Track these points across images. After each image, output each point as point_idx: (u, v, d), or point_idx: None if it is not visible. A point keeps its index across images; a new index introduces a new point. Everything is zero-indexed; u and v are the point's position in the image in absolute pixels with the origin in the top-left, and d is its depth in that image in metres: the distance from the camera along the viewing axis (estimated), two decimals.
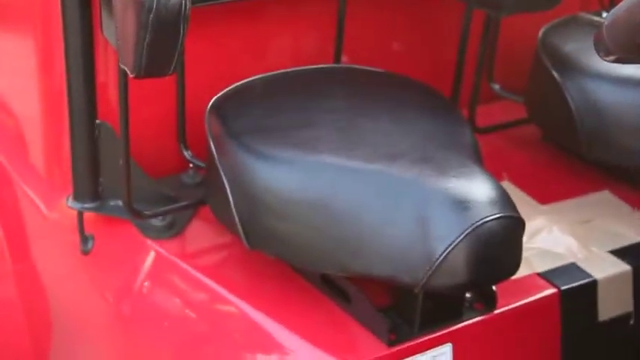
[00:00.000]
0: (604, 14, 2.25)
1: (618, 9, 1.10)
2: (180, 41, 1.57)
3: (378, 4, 2.14)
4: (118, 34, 1.64)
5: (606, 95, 2.02)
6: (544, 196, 2.04)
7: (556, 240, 1.94)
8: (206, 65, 1.80)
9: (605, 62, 2.01)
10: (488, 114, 2.18)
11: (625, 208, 2.07)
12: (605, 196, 2.10)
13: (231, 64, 2.01)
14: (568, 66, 2.07)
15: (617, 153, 2.04)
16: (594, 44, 1.19)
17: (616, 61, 1.18)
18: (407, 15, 2.20)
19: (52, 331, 2.28)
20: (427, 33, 2.21)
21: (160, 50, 1.57)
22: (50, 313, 2.26)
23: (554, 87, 2.07)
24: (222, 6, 1.79)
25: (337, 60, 2.15)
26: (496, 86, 2.23)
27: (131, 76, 1.63)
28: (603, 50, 1.16)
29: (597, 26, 2.12)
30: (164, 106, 1.96)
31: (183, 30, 1.56)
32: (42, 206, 2.19)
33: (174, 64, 1.61)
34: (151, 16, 1.52)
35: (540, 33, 2.19)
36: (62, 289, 2.19)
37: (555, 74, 2.08)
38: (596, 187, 2.12)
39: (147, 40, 1.54)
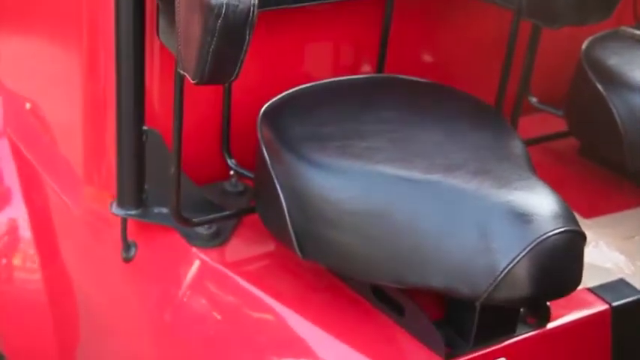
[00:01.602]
0: None
1: None
2: (245, 48, 1.57)
3: (420, 14, 2.15)
4: (179, 39, 1.63)
5: None
6: (587, 210, 2.05)
7: (603, 255, 1.95)
8: (250, 74, 1.76)
9: None
10: (525, 126, 2.17)
11: None
12: None
13: (274, 72, 2.01)
14: (613, 79, 2.08)
15: None
16: None
17: None
18: (448, 25, 2.20)
19: (80, 337, 2.28)
20: (468, 43, 2.21)
21: (225, 57, 1.57)
22: (79, 318, 2.26)
23: (599, 100, 2.07)
24: (268, 14, 1.78)
25: (380, 69, 2.15)
26: (533, 99, 2.23)
27: (193, 82, 1.62)
28: None
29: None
30: (208, 114, 1.97)
31: (249, 36, 1.56)
32: (78, 212, 2.19)
33: (237, 70, 1.60)
34: (219, 21, 1.51)
35: (584, 46, 2.19)
36: (99, 296, 2.19)
37: (600, 87, 2.08)
38: (638, 202, 2.13)
39: (213, 46, 1.54)
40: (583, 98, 2.16)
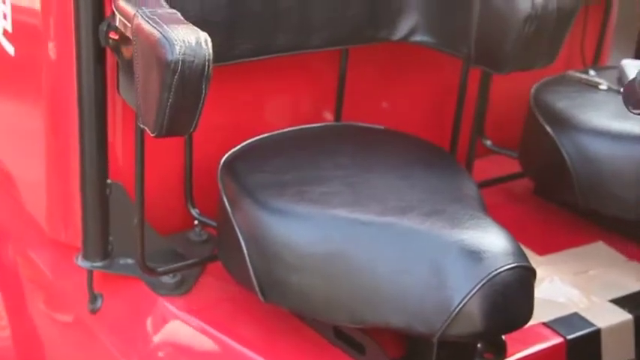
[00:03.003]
0: (591, 72, 2.33)
1: None
2: (202, 101, 1.60)
3: (374, 64, 2.21)
4: (138, 95, 1.67)
5: (601, 149, 2.08)
6: (542, 247, 2.10)
7: (558, 290, 2.00)
8: (210, 125, 1.80)
9: (598, 118, 2.10)
10: (481, 168, 2.23)
11: (620, 258, 2.13)
12: (600, 246, 2.17)
13: (234, 123, 2.06)
14: (562, 122, 2.14)
15: (613, 205, 2.09)
16: (623, 97, 1.24)
17: None
18: (401, 73, 2.26)
19: None
20: (421, 90, 2.27)
21: (183, 110, 1.60)
22: None
23: (549, 142, 2.14)
24: (225, 67, 1.82)
25: (338, 117, 2.20)
26: (488, 142, 2.29)
27: (152, 135, 1.66)
28: (633, 104, 1.21)
29: (592, 84, 2.21)
30: (170, 165, 2.00)
31: (205, 90, 1.60)
32: (44, 266, 2.22)
33: (195, 123, 1.64)
34: (176, 76, 1.55)
35: (532, 90, 2.26)
36: (67, 348, 2.21)
37: (549, 130, 2.14)
38: (590, 239, 2.19)
39: (170, 100, 1.57)
40: (534, 140, 2.22)
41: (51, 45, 1.96)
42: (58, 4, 1.89)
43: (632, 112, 1.28)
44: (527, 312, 1.68)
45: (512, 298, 1.64)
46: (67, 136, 1.92)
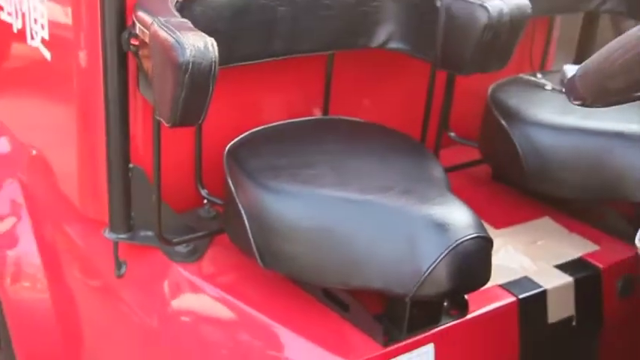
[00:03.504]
0: (538, 75, 2.32)
1: (588, 64, 1.14)
2: (209, 96, 1.60)
3: (356, 66, 2.18)
4: (155, 92, 1.67)
5: (546, 139, 2.07)
6: (497, 222, 2.09)
7: (511, 257, 1.99)
8: (217, 118, 1.78)
9: (543, 113, 2.09)
10: (447, 156, 2.20)
11: (563, 231, 2.12)
12: (546, 221, 2.15)
13: (237, 117, 2.03)
14: (514, 116, 2.12)
15: (557, 186, 2.08)
16: (566, 91, 1.22)
17: (584, 105, 1.21)
18: (379, 74, 2.24)
19: (84, 343, 2.28)
20: (397, 89, 2.25)
21: (193, 104, 1.60)
22: (82, 327, 2.27)
23: (504, 134, 2.12)
24: (229, 69, 1.80)
25: (325, 112, 2.18)
26: (452, 133, 2.27)
27: (167, 126, 1.66)
28: (574, 96, 1.19)
29: (539, 84, 2.20)
30: (182, 153, 1.98)
31: (212, 87, 1.59)
32: (77, 239, 2.21)
33: (203, 114, 1.64)
34: (187, 76, 1.54)
35: (490, 90, 2.24)
36: (97, 308, 2.20)
37: (504, 123, 2.13)
38: (538, 215, 2.17)
39: (182, 96, 1.57)
40: (491, 132, 2.20)
41: (81, 53, 1.93)
42: (87, 17, 1.87)
43: (573, 103, 1.27)
44: (486, 275, 1.68)
45: (473, 263, 1.64)
46: (95, 128, 1.90)
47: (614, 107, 1.78)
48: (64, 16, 1.96)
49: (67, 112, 2.07)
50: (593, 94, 1.14)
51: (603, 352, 1.99)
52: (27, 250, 2.34)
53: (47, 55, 2.08)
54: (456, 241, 1.60)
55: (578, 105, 1.22)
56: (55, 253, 2.31)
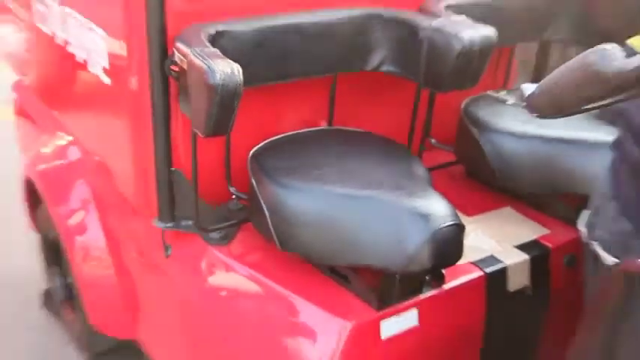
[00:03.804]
0: (502, 92, 2.29)
1: (543, 84, 1.13)
2: (234, 112, 1.61)
3: (355, 86, 2.16)
4: (192, 108, 1.68)
5: (508, 145, 2.05)
6: (469, 211, 2.06)
7: (480, 240, 1.97)
8: (242, 129, 1.78)
9: (505, 123, 2.07)
10: (430, 158, 2.18)
11: (521, 218, 2.09)
12: (509, 210, 2.13)
13: (257, 128, 2.00)
14: (482, 126, 2.10)
15: (517, 182, 2.07)
16: (526, 106, 1.21)
17: (541, 117, 1.19)
18: (374, 92, 2.21)
19: (140, 309, 2.29)
20: (388, 104, 2.21)
21: (222, 118, 1.61)
22: (138, 297, 2.28)
23: (474, 140, 2.10)
24: (251, 89, 1.78)
25: (330, 123, 2.16)
26: (433, 140, 2.24)
27: (202, 136, 1.67)
28: (533, 110, 1.18)
29: (502, 100, 2.19)
30: (214, 158, 1.96)
31: (237, 104, 1.60)
32: (132, 227, 2.21)
33: (230, 127, 1.65)
34: (217, 96, 1.55)
35: (463, 104, 2.22)
36: (149, 282, 2.20)
37: (474, 131, 2.11)
38: (501, 205, 2.15)
39: (214, 111, 1.58)
40: (464, 139, 2.18)
41: (133, 78, 1.92)
42: (137, 49, 1.85)
43: (532, 116, 1.25)
44: (459, 254, 1.68)
45: (449, 245, 1.64)
46: (145, 140, 1.88)
47: (564, 118, 1.78)
48: (119, 49, 1.95)
49: (123, 127, 2.06)
50: (548, 108, 1.13)
51: (551, 314, 1.98)
52: (94, 236, 2.35)
53: (107, 80, 2.07)
54: (437, 227, 1.60)
55: (536, 117, 1.21)
56: (116, 238, 2.31)
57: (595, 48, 1.01)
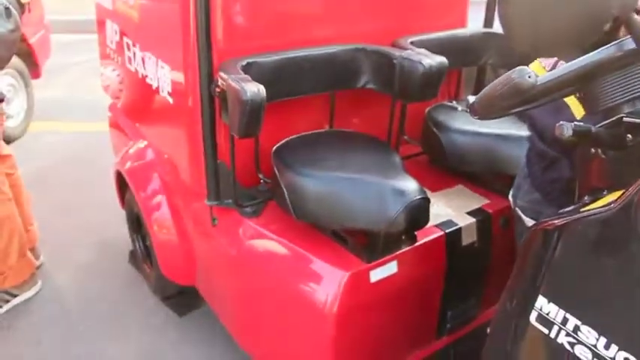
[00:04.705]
0: (454, 102, 2.20)
1: (482, 94, 1.05)
2: (261, 120, 1.55)
3: (349, 99, 2.07)
4: (230, 118, 1.61)
5: (459, 139, 1.95)
6: (432, 189, 1.97)
7: (440, 209, 1.88)
8: (267, 132, 1.70)
9: (455, 123, 1.98)
10: (404, 151, 2.10)
11: (470, 192, 2.00)
12: (461, 187, 2.03)
13: (278, 131, 1.91)
14: (440, 126, 2.01)
15: (466, 166, 1.98)
16: (470, 110, 1.12)
17: (480, 119, 1.12)
18: (363, 103, 2.11)
19: (197, 264, 2.19)
20: (373, 112, 2.10)
21: (252, 124, 1.54)
22: (195, 254, 2.18)
23: (435, 137, 2.01)
24: (272, 103, 1.71)
25: (331, 126, 2.08)
26: (406, 137, 2.15)
27: (237, 137, 1.59)
28: (474, 113, 1.10)
29: (454, 107, 2.11)
30: (247, 153, 1.87)
31: (262, 114, 1.54)
32: (190, 204, 2.11)
33: (258, 130, 1.58)
34: (247, 108, 1.49)
35: (427, 110, 2.13)
36: (202, 243, 2.10)
37: (435, 130, 2.01)
38: (455, 184, 2.05)
39: (244, 120, 1.52)
40: (428, 135, 2.08)
41: (189, 98, 1.85)
42: (191, 78, 1.79)
43: (473, 118, 1.18)
44: (426, 220, 1.60)
45: (419, 213, 1.57)
46: (197, 140, 1.80)
47: (497, 120, 1.70)
48: (180, 78, 1.88)
49: (181, 132, 1.99)
50: (483, 112, 1.05)
51: (492, 262, 1.89)
52: (164, 212, 2.26)
53: (170, 100, 1.99)
54: (410, 200, 1.52)
55: (477, 119, 1.13)
56: (179, 213, 2.22)
57: (516, 68, 0.96)
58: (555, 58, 1.26)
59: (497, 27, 2.50)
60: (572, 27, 0.93)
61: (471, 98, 2.33)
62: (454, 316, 1.87)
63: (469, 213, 1.86)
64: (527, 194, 1.41)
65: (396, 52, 1.89)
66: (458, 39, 2.25)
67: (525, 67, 0.96)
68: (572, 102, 1.19)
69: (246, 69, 1.71)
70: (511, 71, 0.96)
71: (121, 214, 2.76)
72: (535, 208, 1.39)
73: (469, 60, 2.34)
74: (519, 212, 1.44)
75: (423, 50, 1.90)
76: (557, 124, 0.92)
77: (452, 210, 1.88)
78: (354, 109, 2.12)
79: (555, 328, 0.91)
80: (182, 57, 1.83)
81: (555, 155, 1.31)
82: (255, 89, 1.52)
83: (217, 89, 1.67)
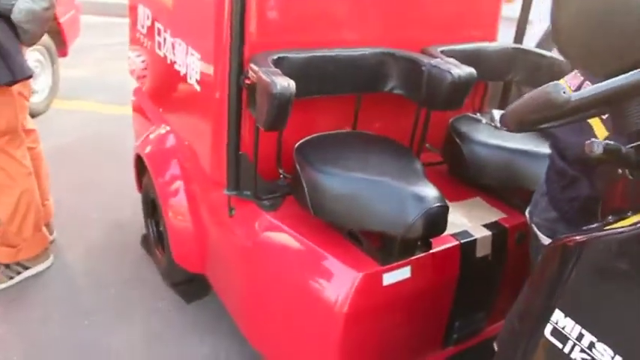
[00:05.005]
0: (478, 114, 2.20)
1: (514, 106, 1.06)
2: (288, 114, 1.55)
3: (374, 102, 2.07)
4: (257, 110, 1.62)
5: (480, 152, 1.95)
6: (450, 198, 1.93)
7: (458, 219, 1.88)
8: (290, 128, 1.69)
9: (479, 136, 1.99)
10: (425, 158, 2.07)
11: (487, 205, 2.00)
12: (478, 200, 2.03)
13: (302, 127, 1.92)
14: (463, 137, 2.01)
15: (485, 179, 1.97)
16: (500, 122, 1.14)
17: (509, 131, 1.12)
18: (388, 107, 2.12)
19: (209, 251, 2.20)
20: (397, 117, 2.12)
21: (279, 118, 1.55)
22: (208, 242, 2.19)
23: (457, 147, 2.01)
24: (299, 100, 1.69)
25: (355, 127, 2.08)
26: (427, 145, 2.15)
27: (263, 130, 1.60)
28: (504, 125, 1.10)
29: (478, 120, 2.12)
30: (270, 146, 1.88)
31: (290, 108, 1.54)
32: (209, 193, 2.12)
33: (284, 125, 1.59)
34: (275, 101, 1.50)
35: (450, 121, 2.12)
36: (217, 232, 2.11)
37: (458, 141, 2.02)
38: (474, 196, 2.05)
39: (273, 113, 1.52)
40: (450, 145, 2.08)
41: (217, 88, 1.86)
42: (221, 68, 1.80)
43: (502, 129, 1.19)
44: (443, 228, 1.60)
45: (437, 220, 1.57)
46: (222, 130, 1.81)
47: (521, 134, 1.70)
48: (208, 68, 1.90)
49: (206, 121, 2.00)
50: (513, 124, 1.06)
51: (505, 275, 1.89)
52: (181, 198, 2.27)
53: (198, 88, 2.01)
54: (429, 207, 1.53)
55: (506, 130, 1.14)
56: (195, 200, 2.23)
57: (551, 83, 0.97)
58: (582, 79, 1.27)
59: (526, 44, 2.51)
60: (626, 41, 0.94)
61: (496, 112, 2.33)
62: (461, 327, 1.87)
63: (485, 225, 1.86)
64: (544, 212, 1.42)
65: (425, 60, 1.90)
66: (487, 52, 2.25)
67: (560, 82, 0.97)
68: (596, 123, 1.21)
69: (277, 63, 1.72)
70: (545, 85, 0.97)
71: (136, 198, 2.79)
72: (551, 225, 1.39)
73: (496, 74, 2.34)
74: (535, 229, 1.44)
75: (452, 60, 1.90)
76: (587, 141, 0.93)
77: (468, 221, 1.88)
78: (378, 113, 2.12)
79: (570, 343, 0.91)
80: (213, 46, 1.84)
81: (575, 174, 1.32)
82: (285, 83, 1.53)
83: (247, 81, 1.68)
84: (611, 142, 0.93)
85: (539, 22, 3.36)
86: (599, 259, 0.93)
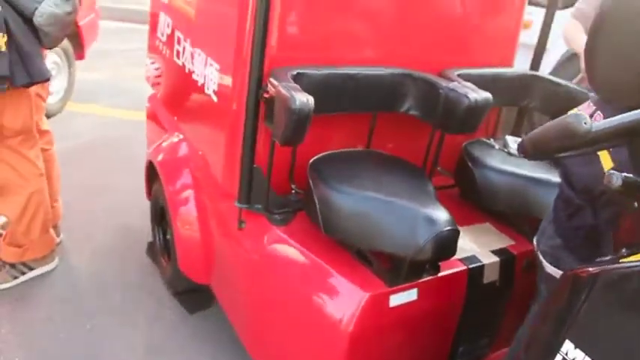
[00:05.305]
0: (491, 140, 2.21)
1: (533, 134, 1.07)
2: (305, 130, 1.56)
3: (388, 123, 2.08)
4: (275, 124, 1.63)
5: (492, 177, 1.96)
6: (460, 223, 1.92)
7: (467, 244, 1.87)
8: (305, 143, 1.69)
9: (491, 161, 2.00)
10: (436, 181, 2.06)
11: (496, 231, 2.00)
12: (488, 225, 2.03)
13: (317, 144, 1.94)
14: (475, 162, 2.02)
15: (495, 205, 1.98)
16: (518, 148, 1.14)
17: (526, 158, 1.13)
18: (402, 128, 2.13)
19: (215, 262, 2.21)
20: (411, 138, 2.13)
21: (296, 133, 1.56)
22: (215, 254, 2.20)
23: (469, 171, 2.01)
24: (317, 117, 1.69)
25: (368, 146, 2.09)
26: (439, 168, 2.16)
27: (279, 144, 1.61)
28: (522, 152, 1.11)
29: (492, 145, 2.13)
30: (284, 161, 1.90)
31: (308, 125, 1.55)
32: (219, 204, 2.13)
33: (301, 140, 1.60)
34: (294, 117, 1.51)
35: (463, 145, 2.14)
36: (225, 246, 2.12)
37: (470, 165, 2.02)
38: (483, 221, 2.05)
39: (290, 128, 1.53)
40: (462, 169, 2.09)
41: (234, 100, 1.88)
42: (240, 80, 1.82)
43: (520, 156, 1.20)
44: (453, 252, 1.61)
45: (447, 243, 1.57)
46: (236, 141, 1.83)
47: (533, 162, 1.71)
48: (227, 79, 1.92)
49: (222, 132, 2.01)
50: (531, 152, 1.07)
51: (511, 302, 1.89)
52: (190, 208, 2.29)
53: (215, 99, 2.03)
54: (440, 230, 1.53)
55: (523, 157, 1.15)
56: (205, 211, 2.25)
57: (572, 112, 0.98)
58: (594, 108, 1.29)
59: (542, 70, 2.52)
60: None
61: (510, 138, 2.34)
62: (465, 352, 1.87)
63: (494, 252, 1.86)
64: (550, 239, 1.43)
65: (443, 83, 1.92)
66: (503, 78, 2.27)
67: (581, 112, 0.98)
68: (603, 154, 1.22)
69: (296, 78, 1.74)
70: (566, 115, 0.99)
71: (145, 205, 2.80)
72: (555, 253, 1.41)
73: (511, 100, 2.35)
74: (540, 256, 1.46)
75: (469, 84, 1.92)
76: (607, 173, 0.94)
77: (477, 246, 1.88)
78: (392, 133, 2.13)
79: None
80: (233, 58, 1.86)
81: (580, 203, 1.34)
82: (304, 99, 1.54)
83: (265, 94, 1.70)
84: (630, 176, 0.93)
85: (554, 49, 3.39)
86: (612, 292, 0.93)
